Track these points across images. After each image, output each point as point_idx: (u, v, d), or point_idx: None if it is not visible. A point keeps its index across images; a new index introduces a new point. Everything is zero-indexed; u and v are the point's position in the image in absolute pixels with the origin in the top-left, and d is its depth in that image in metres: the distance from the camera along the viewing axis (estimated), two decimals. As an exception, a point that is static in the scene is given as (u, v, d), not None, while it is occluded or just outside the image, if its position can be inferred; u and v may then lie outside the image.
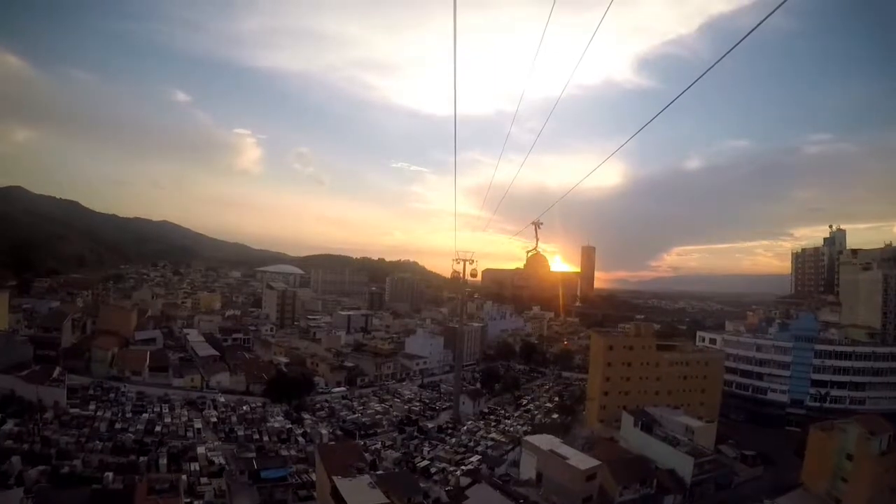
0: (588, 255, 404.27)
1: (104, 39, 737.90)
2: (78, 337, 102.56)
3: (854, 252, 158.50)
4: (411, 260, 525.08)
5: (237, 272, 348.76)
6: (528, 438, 48.26)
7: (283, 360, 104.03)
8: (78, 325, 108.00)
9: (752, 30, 10.59)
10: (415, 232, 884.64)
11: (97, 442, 56.39)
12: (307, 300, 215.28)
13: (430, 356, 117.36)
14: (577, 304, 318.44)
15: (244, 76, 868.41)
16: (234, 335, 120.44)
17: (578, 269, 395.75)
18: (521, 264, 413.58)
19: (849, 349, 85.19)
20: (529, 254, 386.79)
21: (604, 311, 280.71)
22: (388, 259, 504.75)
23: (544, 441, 46.79)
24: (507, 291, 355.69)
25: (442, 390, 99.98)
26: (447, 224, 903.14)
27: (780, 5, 10.19)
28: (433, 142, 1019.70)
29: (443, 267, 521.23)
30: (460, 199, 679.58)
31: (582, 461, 43.42)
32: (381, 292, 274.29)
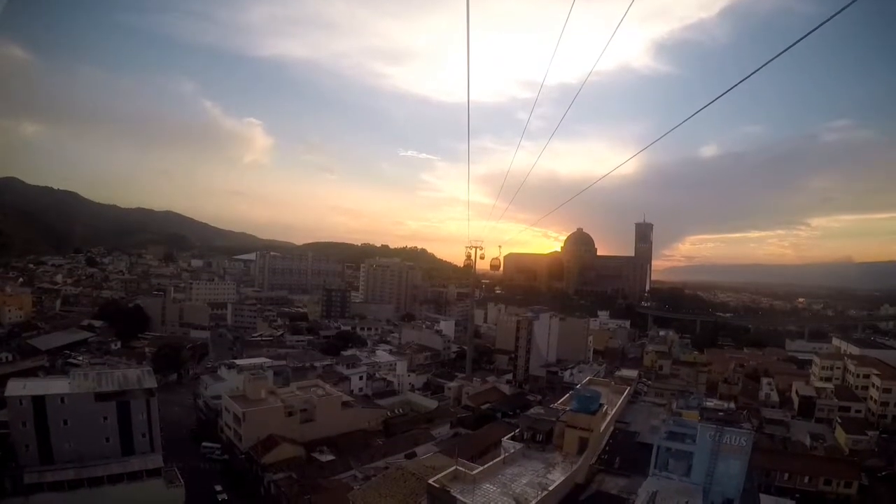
0: (643, 235, 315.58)
1: (113, 31, 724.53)
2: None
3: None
4: (419, 247, 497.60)
5: (215, 260, 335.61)
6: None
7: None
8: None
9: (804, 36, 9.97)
10: (426, 220, 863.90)
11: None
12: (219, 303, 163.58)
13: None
14: (644, 302, 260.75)
15: (253, 65, 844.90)
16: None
17: (630, 254, 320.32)
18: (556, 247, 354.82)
19: None
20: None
21: (661, 310, 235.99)
22: (392, 246, 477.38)
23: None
24: (541, 284, 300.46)
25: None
26: (459, 213, 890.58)
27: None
28: (442, 129, 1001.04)
29: (456, 255, 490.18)
30: (472, 188, 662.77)
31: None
32: (350, 288, 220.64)
